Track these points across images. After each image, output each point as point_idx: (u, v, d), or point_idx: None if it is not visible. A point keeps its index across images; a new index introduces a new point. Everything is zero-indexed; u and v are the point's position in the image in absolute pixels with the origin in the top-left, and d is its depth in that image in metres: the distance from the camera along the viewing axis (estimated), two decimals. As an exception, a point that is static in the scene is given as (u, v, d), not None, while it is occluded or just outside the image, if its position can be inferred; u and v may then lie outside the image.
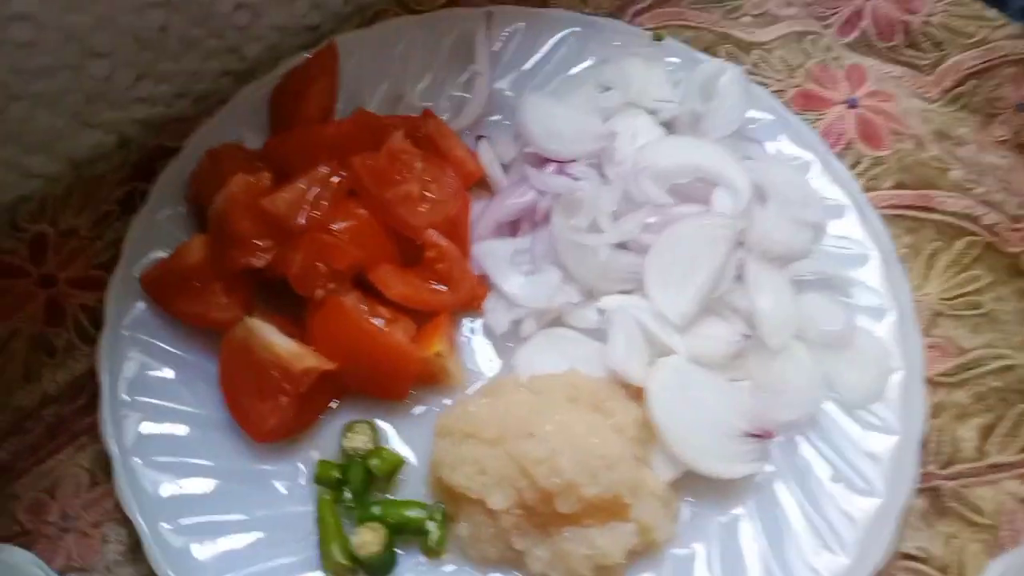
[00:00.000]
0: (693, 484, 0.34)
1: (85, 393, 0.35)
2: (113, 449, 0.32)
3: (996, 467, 0.36)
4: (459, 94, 0.42)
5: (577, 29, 0.43)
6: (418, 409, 0.35)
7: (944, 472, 0.36)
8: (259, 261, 0.34)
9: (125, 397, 0.33)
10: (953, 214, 0.41)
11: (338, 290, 0.35)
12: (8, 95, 0.35)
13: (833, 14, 0.48)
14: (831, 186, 0.40)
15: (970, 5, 0.48)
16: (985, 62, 0.46)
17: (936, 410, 0.36)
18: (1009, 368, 0.38)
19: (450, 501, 0.33)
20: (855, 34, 0.47)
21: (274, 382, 0.33)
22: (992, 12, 0.47)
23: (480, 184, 0.40)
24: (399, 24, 0.43)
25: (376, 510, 0.32)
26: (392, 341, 0.34)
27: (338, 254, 0.34)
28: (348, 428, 0.34)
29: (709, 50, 0.45)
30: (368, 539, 0.31)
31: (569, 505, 0.30)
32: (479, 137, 0.41)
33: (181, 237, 0.37)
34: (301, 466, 0.34)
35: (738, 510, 0.34)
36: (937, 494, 0.35)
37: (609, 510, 0.31)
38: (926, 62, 0.47)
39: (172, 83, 0.41)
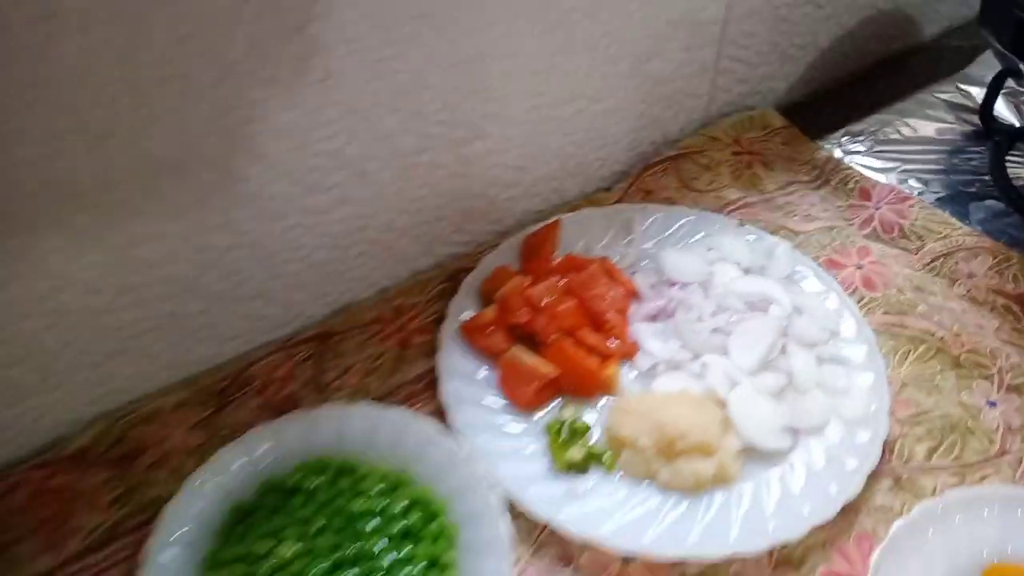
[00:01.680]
0: (748, 453, 0.64)
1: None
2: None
3: (937, 468, 0.65)
4: (623, 249, 0.78)
5: (693, 217, 0.80)
6: (600, 403, 0.68)
7: (903, 465, 0.65)
8: (522, 319, 0.69)
9: (457, 382, 0.67)
10: (919, 330, 0.73)
11: (561, 338, 0.69)
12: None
13: (855, 217, 0.83)
14: (842, 310, 0.73)
15: (942, 215, 0.82)
16: (950, 249, 0.79)
17: (898, 437, 0.66)
18: (947, 416, 0.67)
19: (616, 445, 0.64)
20: (868, 229, 0.82)
21: (529, 377, 0.66)
22: (955, 220, 0.81)
23: (635, 296, 0.74)
24: (590, 211, 0.80)
25: (577, 448, 0.64)
26: (590, 366, 0.67)
27: (561, 320, 0.69)
28: (562, 408, 0.67)
29: (772, 232, 0.80)
30: (576, 454, 0.63)
31: (683, 446, 0.62)
32: (634, 272, 0.76)
33: (476, 310, 0.72)
34: (542, 423, 0.66)
35: (772, 470, 0.63)
36: (897, 476, 0.64)
37: (704, 451, 0.61)
38: (912, 247, 0.80)
39: (471, 238, 0.79)
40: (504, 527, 0.52)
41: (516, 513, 0.58)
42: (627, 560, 0.57)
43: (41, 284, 0.55)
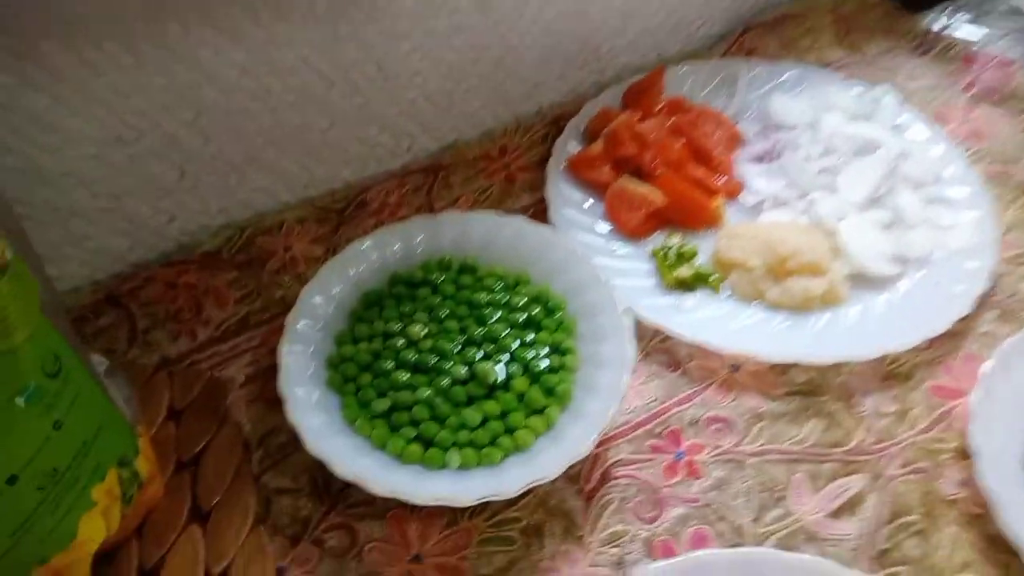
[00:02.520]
0: (856, 280, 0.66)
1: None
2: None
3: None
4: (726, 100, 0.80)
5: (797, 71, 0.81)
6: (705, 234, 0.70)
7: (1009, 299, 0.66)
8: (631, 152, 0.72)
9: (565, 210, 0.70)
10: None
11: (668, 171, 0.71)
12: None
13: (958, 81, 0.83)
14: (948, 155, 0.73)
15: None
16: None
17: (1003, 274, 0.67)
18: None
19: (723, 267, 0.67)
20: (972, 92, 0.82)
21: (637, 204, 0.69)
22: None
23: (739, 141, 0.76)
24: (693, 64, 0.82)
25: (685, 267, 0.67)
26: (698, 196, 0.70)
27: (669, 154, 0.71)
28: (668, 236, 0.69)
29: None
30: (684, 272, 0.66)
31: (794, 263, 0.64)
32: (738, 122, 0.78)
33: (579, 147, 0.75)
34: (648, 249, 0.69)
35: (881, 295, 0.65)
36: (1004, 309, 0.66)
37: (814, 271, 0.64)
38: (1018, 108, 0.81)
39: (572, 87, 0.82)
40: (623, 317, 0.55)
41: None
42: (735, 367, 0.59)
43: (187, 76, 0.58)
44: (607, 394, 0.51)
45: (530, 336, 0.55)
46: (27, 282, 0.39)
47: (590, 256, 0.59)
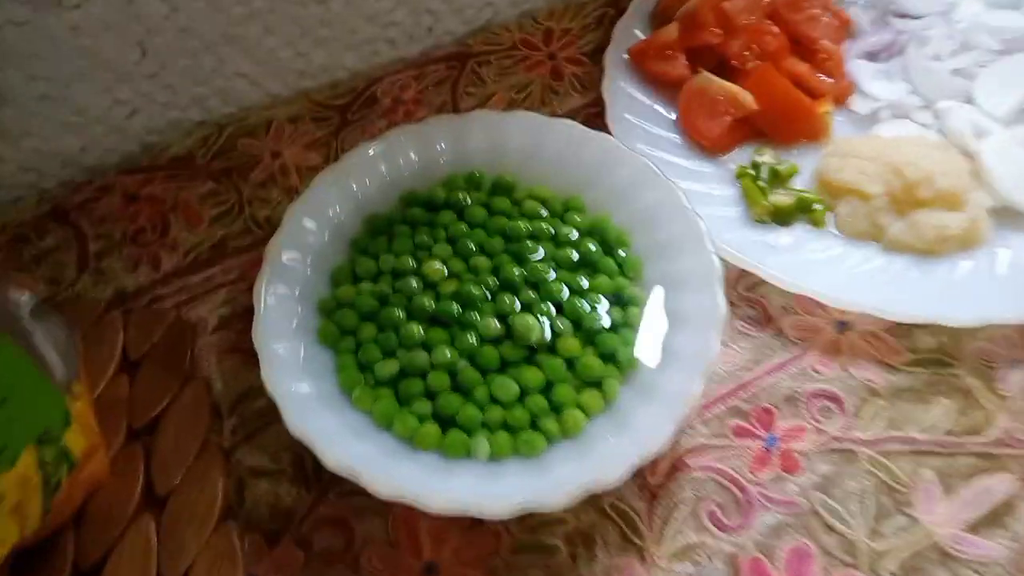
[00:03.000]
0: (1001, 216, 0.51)
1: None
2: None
3: None
4: None
5: None
6: (804, 150, 0.55)
7: None
8: (715, 39, 0.56)
9: (627, 115, 0.55)
10: None
11: (763, 66, 0.56)
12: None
13: None
14: None
15: None
16: None
17: None
18: None
19: (829, 194, 0.52)
20: None
21: (723, 108, 0.54)
22: None
23: (850, 30, 0.60)
24: None
25: (781, 192, 0.52)
26: (802, 96, 0.54)
27: (765, 41, 0.56)
28: (757, 151, 0.55)
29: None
30: (782, 197, 0.51)
31: (926, 191, 0.49)
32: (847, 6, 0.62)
33: (646, 33, 0.59)
34: (731, 167, 0.54)
35: None
36: None
37: (951, 203, 0.49)
38: None
39: None
40: (711, 256, 0.41)
41: None
42: (843, 325, 0.46)
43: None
44: (688, 363, 0.38)
45: (584, 281, 0.42)
46: None
47: (663, 175, 0.45)
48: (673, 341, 0.40)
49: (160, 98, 0.52)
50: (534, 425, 0.39)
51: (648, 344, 0.41)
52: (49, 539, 0.39)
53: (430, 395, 0.40)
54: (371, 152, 0.46)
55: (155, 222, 0.51)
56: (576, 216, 0.46)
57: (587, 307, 0.42)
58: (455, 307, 0.41)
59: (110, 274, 0.49)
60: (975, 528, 0.40)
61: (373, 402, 0.39)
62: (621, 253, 0.44)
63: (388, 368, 0.40)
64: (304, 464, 0.42)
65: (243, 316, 0.47)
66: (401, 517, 0.40)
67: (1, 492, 0.34)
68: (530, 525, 0.40)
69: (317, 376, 0.40)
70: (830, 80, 0.55)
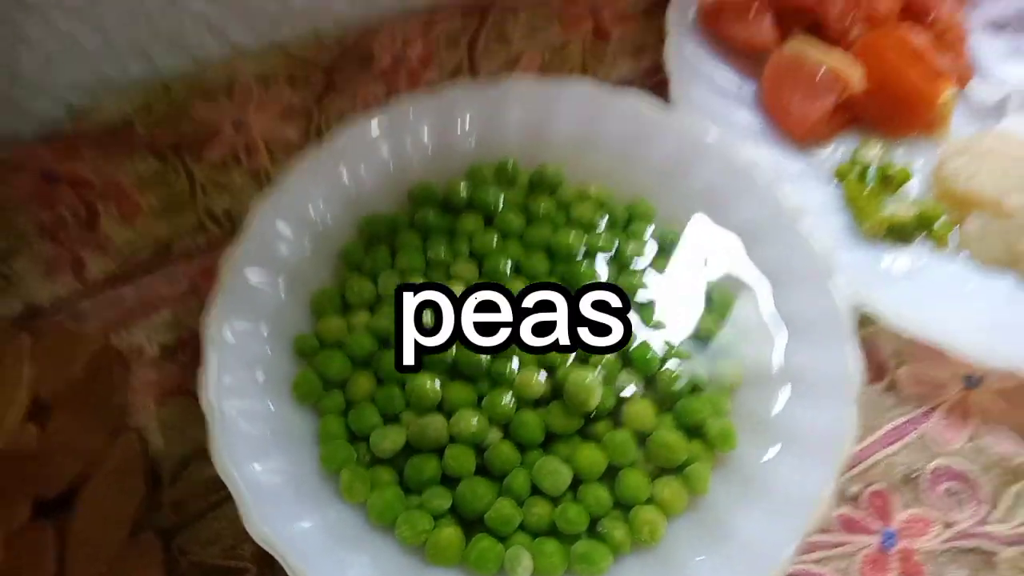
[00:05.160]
0: None
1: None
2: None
3: None
4: None
5: None
6: (917, 144, 0.45)
7: None
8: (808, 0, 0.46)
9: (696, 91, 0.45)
10: None
11: (873, 33, 0.45)
12: None
13: None
14: None
15: None
16: None
17: None
18: None
19: (955, 207, 0.42)
20: None
21: (825, 86, 0.44)
22: None
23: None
24: None
25: (901, 202, 0.42)
26: (920, 77, 0.44)
27: (873, 3, 0.45)
28: (863, 144, 0.44)
29: None
30: (901, 210, 0.41)
31: (1086, 209, 0.40)
32: None
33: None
34: (827, 165, 0.44)
35: None
36: None
37: None
38: None
39: None
40: (833, 290, 0.31)
41: None
42: (973, 380, 0.36)
43: None
44: (813, 446, 0.27)
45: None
46: None
47: (763, 174, 0.34)
48: (790, 413, 0.30)
49: (89, 43, 0.41)
50: (593, 530, 0.28)
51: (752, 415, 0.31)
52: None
53: (448, 481, 0.29)
54: (369, 129, 0.35)
55: (79, 212, 0.40)
56: (646, 227, 0.35)
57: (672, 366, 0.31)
58: (479, 361, 0.31)
59: (17, 281, 0.38)
60: None
61: (368, 491, 0.29)
62: (716, 296, 0.34)
63: (390, 440, 0.29)
64: (275, 563, 0.31)
65: (192, 343, 0.36)
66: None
67: None
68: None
69: (290, 452, 0.29)
70: (954, 57, 0.44)
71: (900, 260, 0.40)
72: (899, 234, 0.41)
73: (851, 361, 0.30)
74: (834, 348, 0.30)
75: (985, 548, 0.34)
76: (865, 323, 0.38)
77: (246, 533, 0.29)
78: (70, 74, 0.42)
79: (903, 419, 0.37)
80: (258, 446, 0.29)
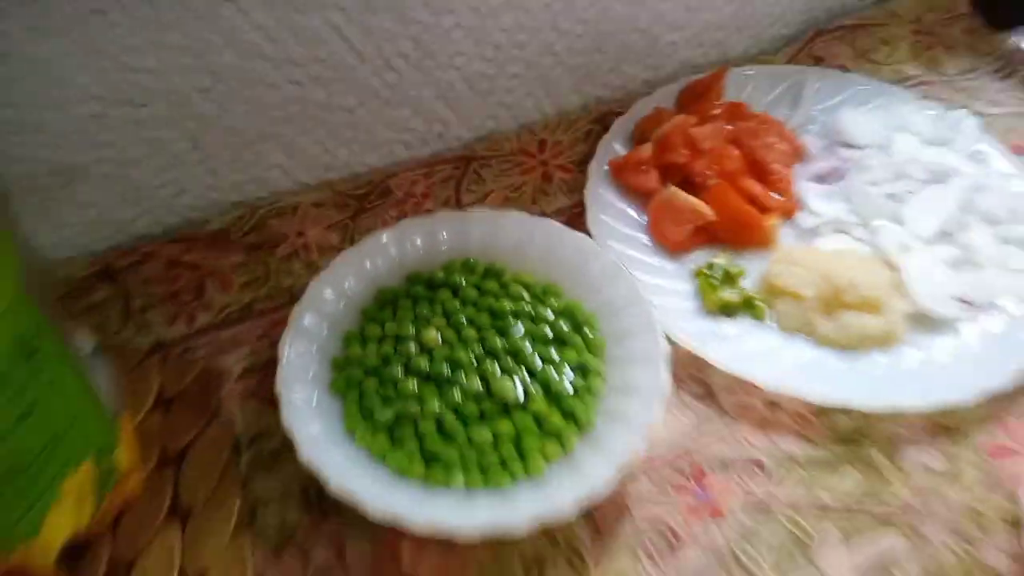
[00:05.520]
0: (917, 321, 0.63)
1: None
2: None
3: None
4: (790, 111, 0.77)
5: (869, 86, 0.78)
6: (754, 256, 0.67)
7: None
8: (682, 159, 0.69)
9: (604, 217, 0.68)
10: None
11: (722, 183, 0.69)
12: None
13: None
14: None
15: None
16: None
17: None
18: None
19: (771, 295, 0.64)
20: None
21: (686, 217, 0.66)
22: None
23: (801, 156, 0.74)
24: (758, 68, 0.79)
25: (730, 291, 0.64)
26: (751, 213, 0.67)
27: (726, 162, 0.69)
28: (713, 255, 0.67)
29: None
30: (730, 295, 0.63)
31: (851, 296, 0.61)
32: (801, 135, 0.75)
33: (626, 151, 0.73)
34: (690, 267, 0.66)
35: (941, 338, 0.62)
36: None
37: (873, 308, 0.61)
38: None
39: (623, 83, 0.79)
40: (660, 341, 0.52)
41: None
42: (773, 404, 0.57)
43: (206, 35, 0.57)
44: (634, 426, 0.48)
45: (554, 353, 0.53)
46: (5, 256, 0.38)
47: (629, 270, 0.57)
48: (623, 407, 0.51)
49: (205, 181, 0.65)
50: (503, 465, 0.49)
51: (604, 409, 0.52)
52: (92, 540, 0.49)
53: (419, 437, 0.50)
54: (384, 239, 0.58)
55: (192, 285, 0.63)
56: (553, 300, 0.57)
57: (556, 375, 0.53)
58: (445, 368, 0.52)
59: (150, 326, 0.61)
60: (867, 573, 0.50)
61: (372, 441, 0.50)
62: (588, 333, 0.55)
63: (386, 415, 0.51)
64: (308, 493, 0.52)
65: (264, 368, 0.57)
66: (386, 540, 0.50)
67: (65, 492, 0.45)
68: (494, 550, 0.50)
69: (327, 418, 0.51)
70: (780, 198, 0.67)
71: (730, 328, 0.62)
72: (729, 311, 0.62)
73: (662, 377, 0.51)
74: (653, 370, 0.52)
75: (768, 506, 0.54)
76: (705, 367, 0.59)
77: (292, 477, 0.50)
78: (191, 200, 0.66)
79: (723, 427, 0.57)
80: (307, 415, 0.50)
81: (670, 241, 0.64)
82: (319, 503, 0.52)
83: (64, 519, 0.44)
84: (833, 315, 0.60)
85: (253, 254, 0.64)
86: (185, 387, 0.57)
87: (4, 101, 0.53)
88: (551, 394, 0.52)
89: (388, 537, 0.50)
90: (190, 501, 0.51)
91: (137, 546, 0.49)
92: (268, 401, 0.51)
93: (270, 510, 0.52)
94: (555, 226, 0.59)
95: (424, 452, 0.49)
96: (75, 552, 0.48)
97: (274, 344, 0.53)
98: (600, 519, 0.51)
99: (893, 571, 0.50)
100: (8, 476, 0.40)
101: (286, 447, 0.49)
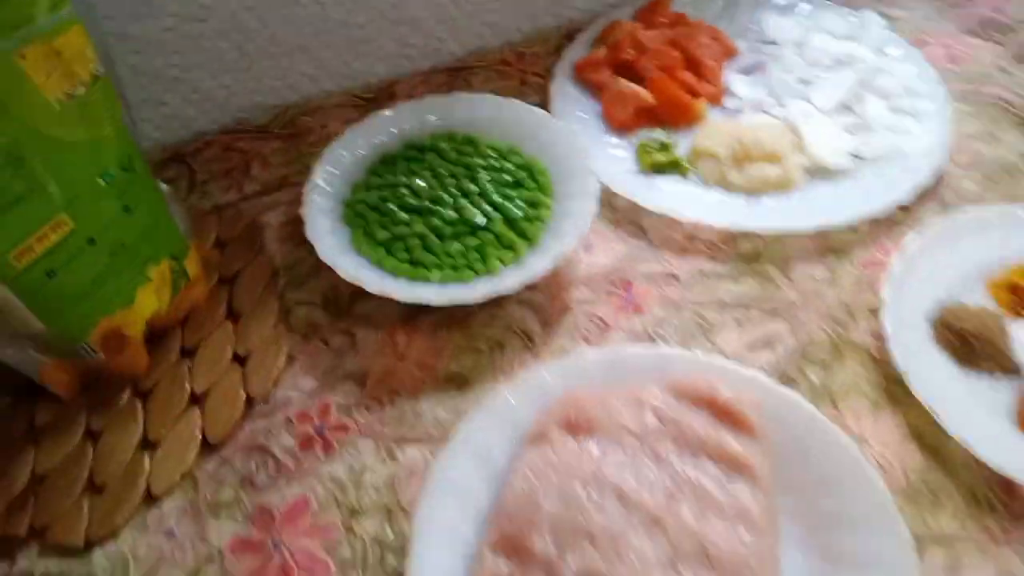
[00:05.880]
0: (813, 173, 0.78)
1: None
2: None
3: (985, 202, 0.78)
4: (728, 23, 0.93)
5: None
6: (688, 132, 0.84)
7: (955, 196, 0.78)
8: (628, 57, 0.86)
9: (566, 105, 0.85)
10: (993, 96, 0.85)
11: (660, 75, 0.85)
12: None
13: (950, 10, 0.94)
14: (922, 73, 0.85)
15: None
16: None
17: (954, 176, 0.79)
18: (1002, 160, 0.80)
19: (696, 157, 0.79)
20: (965, 24, 0.93)
21: (629, 101, 0.83)
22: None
23: (733, 54, 0.89)
24: None
25: (662, 154, 0.80)
26: (683, 97, 0.83)
27: (663, 59, 0.85)
28: (653, 130, 0.83)
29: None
30: (660, 156, 0.79)
31: (756, 152, 0.76)
32: (737, 41, 0.91)
33: (587, 53, 0.89)
34: (633, 143, 0.83)
35: (832, 185, 0.78)
36: (945, 203, 0.78)
37: (772, 159, 0.77)
38: (1004, 39, 0.91)
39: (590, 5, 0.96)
40: (592, 181, 0.69)
41: (603, 199, 0.74)
42: (691, 236, 0.73)
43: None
44: (569, 238, 0.65)
45: (512, 193, 0.70)
46: (112, 93, 0.56)
47: (576, 135, 0.73)
48: (563, 227, 0.68)
49: (250, 86, 0.83)
50: (469, 267, 0.66)
51: (549, 229, 0.68)
52: (168, 329, 0.68)
53: (408, 251, 0.68)
54: (387, 114, 0.76)
55: (241, 165, 0.81)
56: (515, 157, 0.74)
57: (512, 207, 0.70)
58: (428, 203, 0.70)
59: (210, 194, 0.79)
60: (753, 349, 0.66)
61: (372, 252, 0.68)
62: (540, 179, 0.72)
63: (383, 235, 0.68)
64: (329, 300, 0.70)
65: (296, 221, 0.74)
66: (386, 331, 0.68)
67: (151, 277, 0.63)
68: (467, 336, 0.67)
69: (341, 238, 0.69)
70: (710, 86, 0.83)
71: (661, 182, 0.78)
72: (660, 169, 0.78)
73: (591, 207, 0.68)
74: (584, 203, 0.68)
75: (679, 304, 0.70)
76: (641, 213, 0.76)
77: (317, 290, 0.68)
78: (239, 101, 0.84)
79: (651, 253, 0.74)
80: (327, 235, 0.68)
81: (617, 121, 0.80)
82: (337, 306, 0.69)
83: (149, 298, 0.63)
84: (742, 168, 0.75)
85: (287, 142, 0.82)
86: (237, 234, 0.75)
87: (105, 14, 0.71)
88: (508, 220, 0.69)
89: (389, 330, 0.67)
90: (240, 308, 0.69)
91: (201, 335, 0.67)
92: (299, 242, 0.69)
93: (299, 313, 0.69)
94: (521, 104, 0.76)
95: (411, 259, 0.67)
96: (155, 338, 0.66)
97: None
98: (549, 314, 0.68)
99: (775, 345, 0.65)
100: (115, 253, 0.58)
101: (313, 271, 0.68)
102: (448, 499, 0.51)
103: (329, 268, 0.64)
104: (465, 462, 0.53)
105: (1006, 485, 0.56)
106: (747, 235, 0.72)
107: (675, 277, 0.70)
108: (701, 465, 0.51)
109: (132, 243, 0.59)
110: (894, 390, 0.60)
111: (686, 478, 0.51)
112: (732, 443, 0.51)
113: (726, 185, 0.75)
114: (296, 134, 0.82)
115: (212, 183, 0.79)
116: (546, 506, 0.50)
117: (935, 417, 0.56)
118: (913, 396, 0.57)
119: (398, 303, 0.64)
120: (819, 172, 0.75)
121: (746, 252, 0.71)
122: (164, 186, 0.68)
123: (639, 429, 0.53)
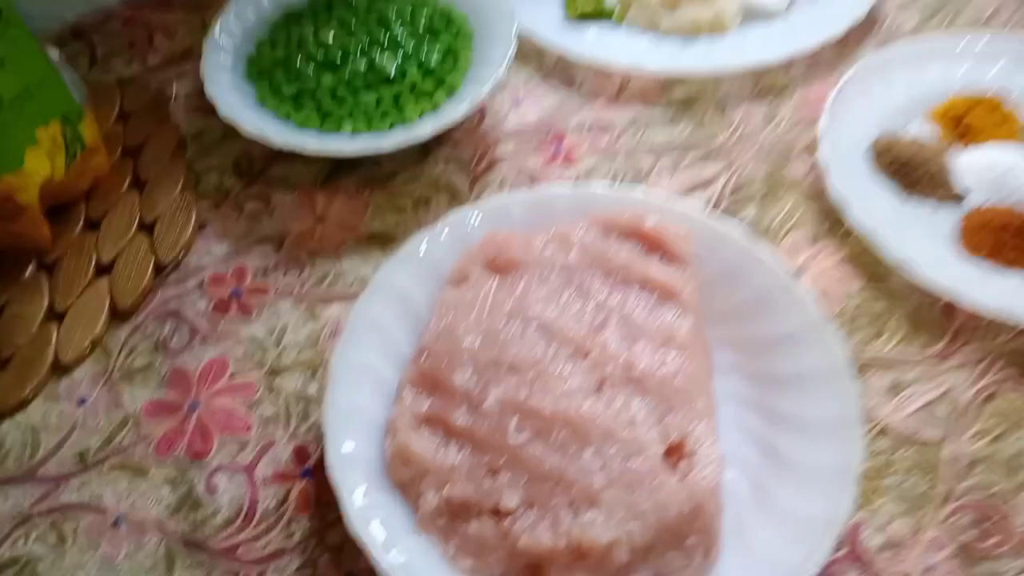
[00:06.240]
0: (746, 15, 0.75)
1: None
2: None
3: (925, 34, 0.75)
4: None
5: None
6: None
7: (893, 32, 0.75)
8: None
9: None
10: None
11: None
12: None
13: None
14: None
15: None
16: None
17: (892, 15, 0.76)
18: None
19: (626, 5, 0.76)
20: None
21: None
22: None
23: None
24: None
25: (591, 3, 0.76)
26: None
27: None
28: None
29: None
30: (586, 5, 0.75)
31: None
32: None
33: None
34: None
35: (767, 27, 0.74)
36: (884, 39, 0.75)
37: (706, 1, 0.73)
38: None
39: None
40: (512, 22, 0.65)
41: (528, 51, 0.72)
42: (624, 85, 0.69)
43: None
44: (487, 79, 0.61)
45: (428, 42, 0.66)
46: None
47: None
48: (482, 73, 0.64)
49: None
50: (383, 117, 0.62)
51: (469, 76, 0.65)
52: (71, 203, 0.63)
53: (317, 103, 0.63)
54: None
55: (144, 36, 0.76)
56: (429, 6, 0.70)
57: (427, 56, 0.66)
58: (337, 55, 0.65)
59: (112, 69, 0.74)
60: (688, 191, 0.63)
61: (279, 107, 0.63)
62: (457, 26, 0.68)
63: (290, 90, 0.64)
64: (240, 166, 0.66)
65: (200, 93, 0.70)
66: (304, 194, 0.64)
67: (40, 139, 0.58)
68: (389, 194, 0.64)
69: (246, 96, 0.64)
70: None
71: (592, 30, 0.74)
72: (588, 16, 0.74)
73: (510, 49, 0.64)
74: (503, 46, 0.64)
75: (611, 152, 0.67)
76: (568, 64, 0.72)
77: (228, 156, 0.64)
78: None
79: (582, 103, 0.70)
80: (231, 93, 0.64)
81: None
82: (250, 172, 0.65)
83: (41, 162, 0.58)
84: (674, 11, 0.71)
85: (192, 12, 0.77)
86: (141, 106, 0.70)
87: None
88: (425, 69, 0.64)
89: (305, 192, 0.64)
90: (146, 177, 0.65)
91: (105, 207, 0.63)
92: (208, 113, 0.64)
93: (209, 179, 0.65)
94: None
95: (320, 112, 0.63)
96: (59, 212, 0.62)
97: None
98: (475, 170, 0.65)
99: (711, 185, 0.63)
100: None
101: (222, 138, 0.64)
102: (368, 340, 0.49)
103: (240, 135, 0.61)
104: (385, 307, 0.50)
105: (947, 308, 0.54)
106: (682, 81, 0.69)
107: (608, 127, 0.67)
108: (627, 294, 0.49)
109: (11, 99, 0.55)
110: (834, 225, 0.58)
111: (612, 307, 0.48)
112: (658, 269, 0.49)
113: (658, 28, 0.71)
114: (200, 4, 0.77)
115: (115, 57, 0.75)
116: (466, 341, 0.47)
117: (873, 245, 0.53)
118: (853, 230, 0.55)
119: (315, 165, 0.61)
120: (753, 15, 0.71)
121: (681, 98, 0.68)
122: (53, 50, 0.63)
123: (564, 264, 0.50)
